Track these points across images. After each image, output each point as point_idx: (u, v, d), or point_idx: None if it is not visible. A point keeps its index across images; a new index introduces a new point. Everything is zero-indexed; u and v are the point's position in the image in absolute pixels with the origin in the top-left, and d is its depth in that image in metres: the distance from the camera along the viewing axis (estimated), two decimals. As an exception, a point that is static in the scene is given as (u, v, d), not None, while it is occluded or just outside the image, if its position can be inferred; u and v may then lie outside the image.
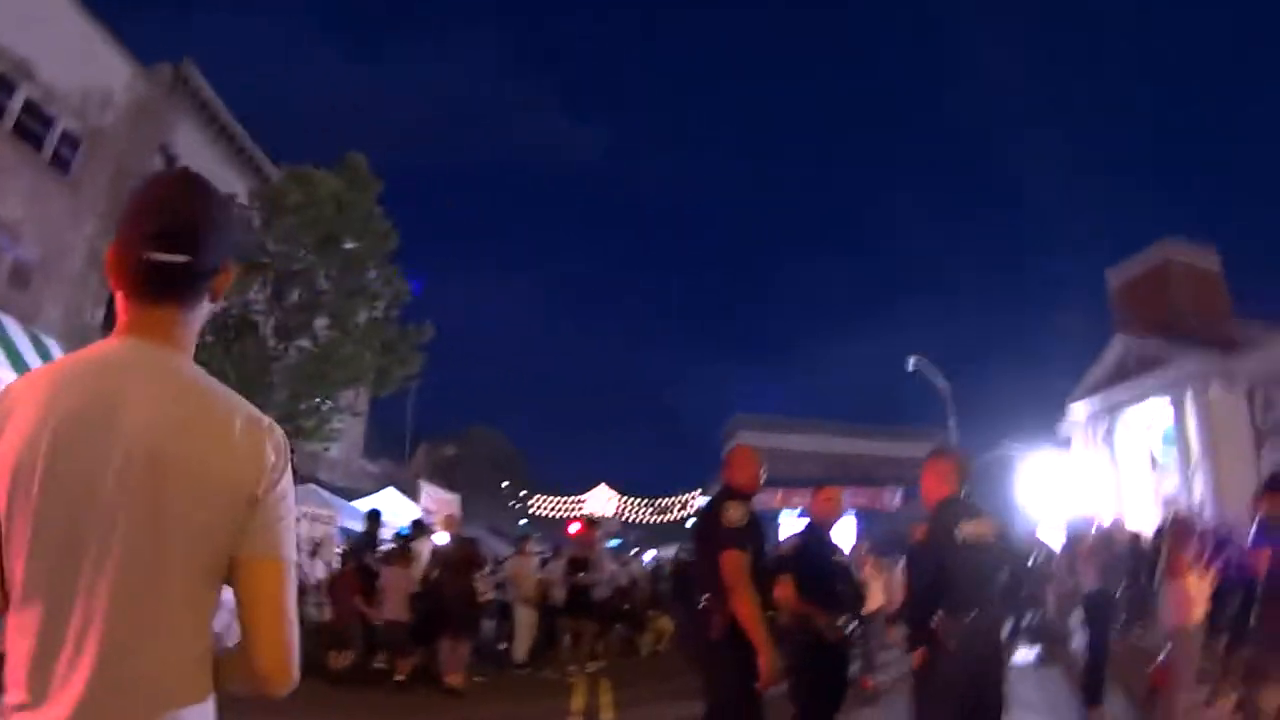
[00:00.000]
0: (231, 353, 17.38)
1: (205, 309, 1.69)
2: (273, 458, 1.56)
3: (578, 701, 9.96)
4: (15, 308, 15.03)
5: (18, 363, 12.65)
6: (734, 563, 5.01)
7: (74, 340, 14.68)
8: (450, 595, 11.57)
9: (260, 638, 1.52)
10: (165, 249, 1.56)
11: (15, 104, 17.70)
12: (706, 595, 5.15)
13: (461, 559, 12.22)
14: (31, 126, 18.21)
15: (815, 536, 6.75)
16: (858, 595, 6.93)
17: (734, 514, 5.19)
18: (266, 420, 1.60)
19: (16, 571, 1.44)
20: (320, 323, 19.42)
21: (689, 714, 6.55)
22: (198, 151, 21.95)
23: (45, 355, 13.51)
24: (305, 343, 19.19)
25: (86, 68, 19.10)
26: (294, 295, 19.16)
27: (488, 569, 14.07)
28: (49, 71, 18.06)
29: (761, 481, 5.63)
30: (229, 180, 21.59)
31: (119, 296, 1.62)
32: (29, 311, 16.25)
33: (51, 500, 1.43)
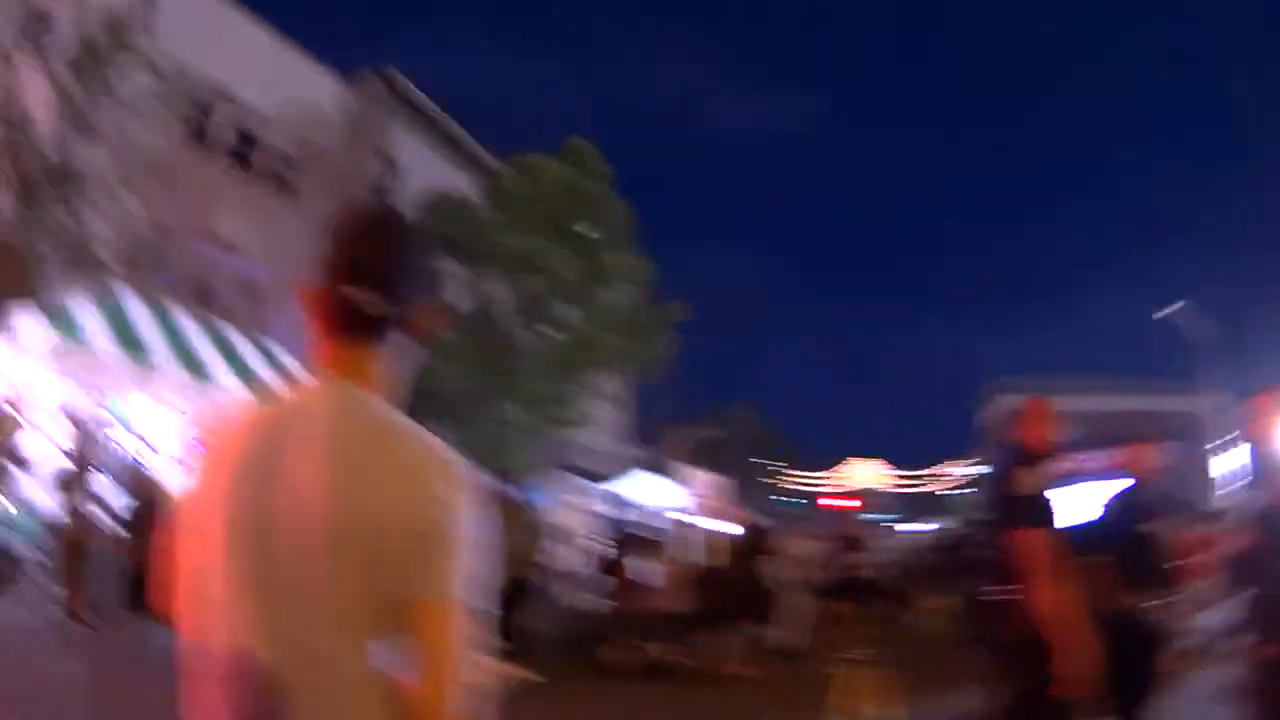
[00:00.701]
0: (474, 346, 17.17)
1: (404, 346, 1.64)
2: (447, 495, 1.48)
3: (847, 691, 9.00)
4: (246, 320, 15.83)
5: (244, 373, 12.72)
6: (1033, 542, 4.18)
7: (306, 350, 14.89)
8: (735, 582, 11.30)
9: (422, 680, 1.43)
10: (359, 287, 1.54)
11: (220, 127, 18.52)
12: (999, 582, 4.40)
13: (748, 545, 11.91)
14: (240, 147, 19.01)
15: (1135, 501, 5.72)
16: (1169, 570, 5.77)
17: (1028, 481, 4.37)
18: (445, 456, 1.52)
19: (207, 599, 1.50)
20: (564, 310, 19.22)
21: (968, 705, 6.17)
22: (415, 154, 22.28)
23: (274, 365, 13.59)
24: (549, 331, 19.00)
25: (289, 87, 19.70)
26: (533, 285, 18.90)
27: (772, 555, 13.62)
28: (251, 94, 18.71)
29: (1057, 440, 4.77)
30: (452, 178, 21.64)
31: (315, 328, 1.60)
32: (260, 323, 16.85)
33: (233, 540, 1.47)
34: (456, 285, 17.97)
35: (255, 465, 1.48)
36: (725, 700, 9.46)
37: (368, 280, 1.54)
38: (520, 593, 11.19)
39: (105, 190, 13.03)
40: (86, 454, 10.66)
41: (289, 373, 13.74)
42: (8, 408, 11.98)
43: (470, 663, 1.46)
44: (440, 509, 1.45)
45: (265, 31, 19.43)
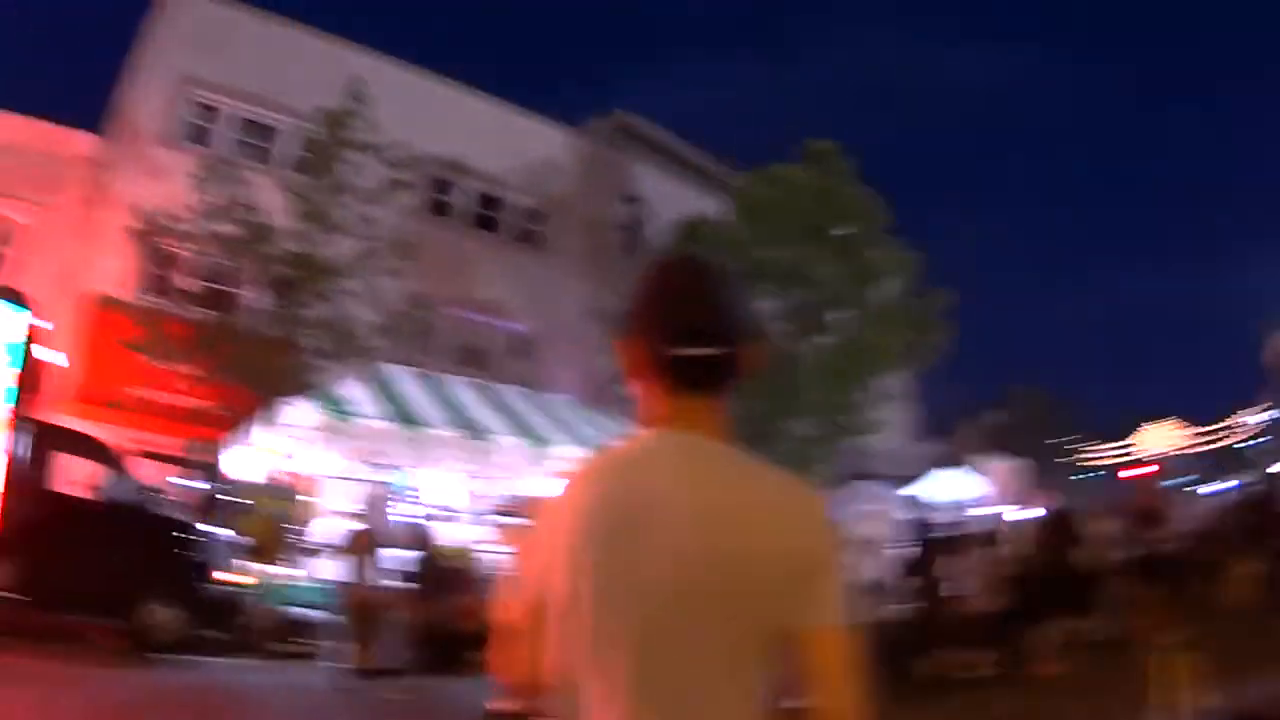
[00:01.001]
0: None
1: (737, 389, 1.64)
2: (824, 528, 1.53)
3: (1163, 680, 8.18)
4: (524, 377, 16.26)
5: (526, 431, 12.92)
6: None
7: (591, 399, 15.02)
8: (1046, 572, 10.78)
9: (823, 707, 1.45)
10: (690, 343, 1.56)
11: (462, 199, 19.75)
12: None
13: (1055, 531, 11.42)
14: (484, 212, 20.16)
15: None
16: None
17: None
18: (813, 491, 1.58)
19: (575, 660, 1.48)
20: (835, 315, 18.85)
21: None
22: (657, 187, 22.51)
23: (559, 421, 13.75)
24: (823, 339, 18.64)
25: (520, 147, 20.41)
26: (800, 295, 18.56)
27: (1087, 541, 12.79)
28: (485, 162, 19.63)
29: None
30: (698, 203, 21.60)
31: (646, 387, 1.61)
32: (539, 379, 17.24)
33: (602, 592, 1.46)
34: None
35: (612, 529, 1.47)
36: (1044, 702, 9.00)
37: (703, 335, 1.56)
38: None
39: (357, 275, 13.71)
40: (371, 519, 11.05)
41: (575, 426, 13.91)
42: (291, 485, 12.73)
43: (859, 681, 1.48)
44: (817, 541, 1.49)
45: (488, 102, 20.42)
